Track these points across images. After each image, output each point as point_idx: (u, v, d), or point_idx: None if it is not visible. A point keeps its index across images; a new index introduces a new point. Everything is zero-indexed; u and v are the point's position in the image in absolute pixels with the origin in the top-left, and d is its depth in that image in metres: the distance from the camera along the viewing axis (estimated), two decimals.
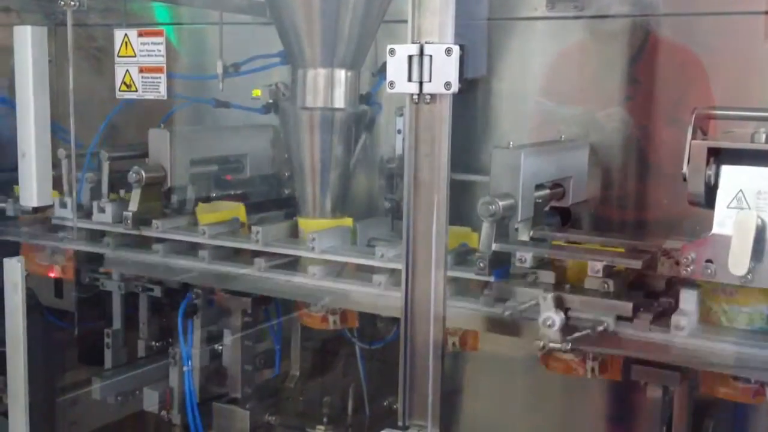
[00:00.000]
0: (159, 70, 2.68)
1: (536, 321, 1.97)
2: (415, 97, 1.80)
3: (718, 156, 1.89)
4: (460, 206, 2.36)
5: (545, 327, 1.94)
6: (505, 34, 2.82)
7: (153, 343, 3.14)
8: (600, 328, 1.95)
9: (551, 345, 1.94)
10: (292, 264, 2.51)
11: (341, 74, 2.61)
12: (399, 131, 2.87)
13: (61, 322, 3.21)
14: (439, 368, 1.88)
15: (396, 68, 1.79)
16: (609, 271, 2.05)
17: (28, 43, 2.63)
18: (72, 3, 2.68)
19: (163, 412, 2.90)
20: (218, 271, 2.58)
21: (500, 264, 2.16)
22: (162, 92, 2.69)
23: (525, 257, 2.11)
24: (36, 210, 2.77)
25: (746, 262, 1.76)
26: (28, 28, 2.65)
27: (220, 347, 2.87)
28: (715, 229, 1.84)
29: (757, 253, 1.77)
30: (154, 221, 2.69)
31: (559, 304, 1.98)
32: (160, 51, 2.67)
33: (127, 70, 2.73)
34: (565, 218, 2.50)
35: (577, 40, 2.72)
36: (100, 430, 3.19)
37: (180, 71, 3.11)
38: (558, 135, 2.62)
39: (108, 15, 3.31)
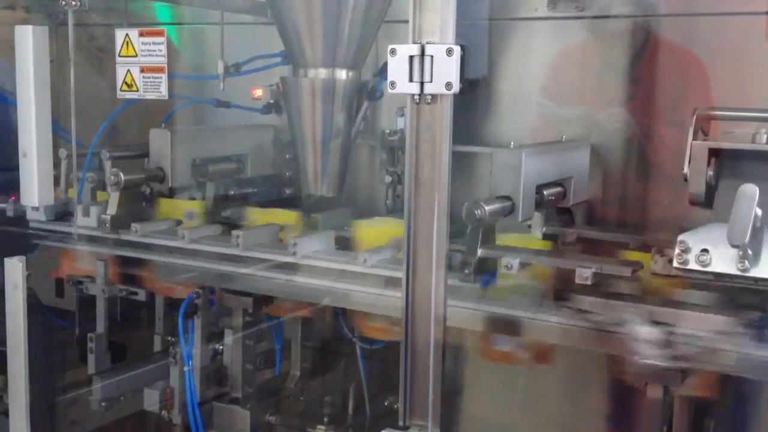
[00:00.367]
0: (160, 69, 2.68)
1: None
2: (416, 97, 1.80)
3: (719, 156, 1.89)
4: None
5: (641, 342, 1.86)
6: (506, 34, 2.82)
7: (169, 338, 3.12)
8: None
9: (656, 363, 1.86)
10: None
11: (342, 74, 2.61)
12: (400, 131, 2.88)
13: (62, 321, 3.21)
14: (439, 368, 1.88)
15: (397, 68, 1.79)
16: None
17: (29, 42, 2.63)
18: (73, 3, 2.68)
19: (164, 412, 2.89)
20: (218, 270, 2.57)
21: (486, 270, 2.13)
22: (163, 92, 2.69)
23: (512, 263, 2.08)
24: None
25: (747, 232, 1.70)
26: (30, 27, 2.65)
27: (221, 347, 2.86)
28: (713, 219, 1.82)
29: (754, 244, 1.74)
30: (132, 224, 2.67)
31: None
32: (161, 51, 2.68)
33: (128, 70, 2.73)
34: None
35: (578, 40, 2.72)
36: (100, 430, 3.19)
37: (181, 71, 3.12)
38: (559, 135, 2.62)
39: (109, 15, 3.31)
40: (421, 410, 1.91)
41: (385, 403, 2.90)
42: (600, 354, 2.18)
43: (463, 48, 1.77)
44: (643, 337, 1.86)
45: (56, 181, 2.84)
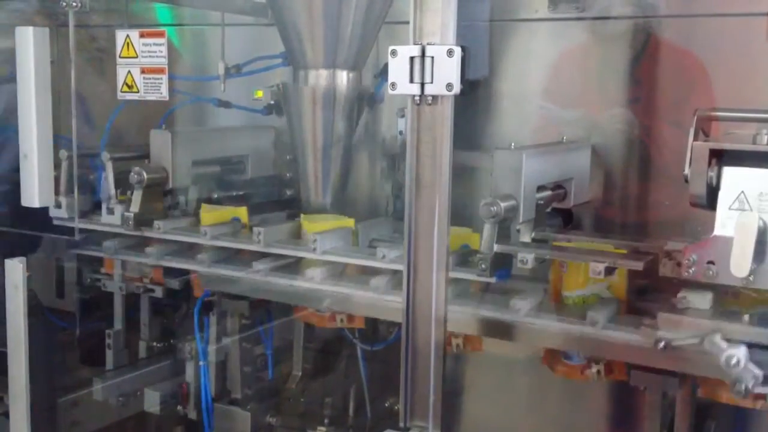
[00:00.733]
0: (161, 71, 2.68)
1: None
2: (417, 98, 1.80)
3: (720, 157, 1.88)
4: (461, 207, 2.36)
5: (731, 367, 1.76)
6: (507, 35, 2.82)
7: (154, 343, 3.13)
8: None
9: (757, 390, 1.77)
10: (292, 266, 2.50)
11: (343, 75, 2.61)
12: (401, 132, 2.88)
13: (63, 322, 3.21)
14: (440, 369, 1.88)
15: (397, 69, 1.79)
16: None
17: (30, 44, 2.63)
18: (74, 4, 2.68)
19: (179, 407, 2.90)
20: (217, 274, 2.57)
21: (502, 265, 2.16)
22: (163, 93, 2.69)
23: (527, 258, 2.11)
24: None
25: (748, 264, 1.76)
26: (30, 29, 2.65)
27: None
28: (717, 231, 1.84)
29: (758, 255, 1.77)
30: (155, 222, 2.70)
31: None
32: (161, 52, 2.68)
33: (129, 71, 2.73)
34: (567, 220, 2.50)
35: (578, 41, 2.72)
36: (101, 431, 3.19)
37: (182, 72, 3.12)
38: (560, 136, 2.62)
39: (110, 16, 3.31)
40: (421, 411, 1.90)
41: (386, 405, 2.90)
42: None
43: (463, 49, 1.76)
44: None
45: (56, 182, 2.84)
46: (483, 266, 2.14)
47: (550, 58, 2.77)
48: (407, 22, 1.80)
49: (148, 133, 2.84)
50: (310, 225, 2.60)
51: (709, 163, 1.88)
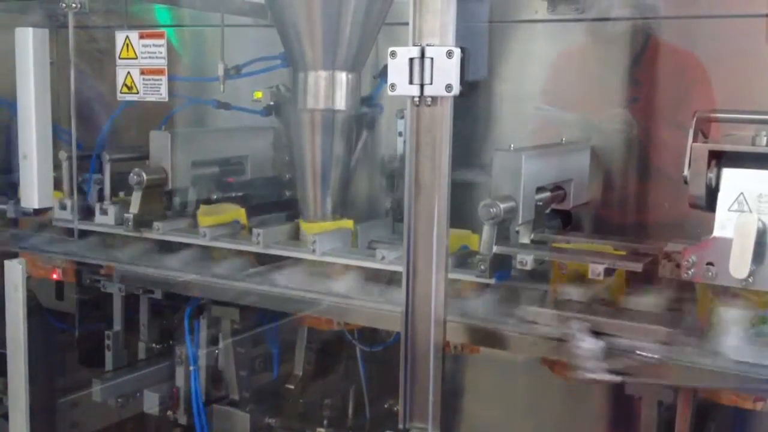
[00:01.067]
0: (160, 71, 2.68)
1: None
2: (416, 99, 1.80)
3: (720, 159, 1.88)
4: (461, 209, 2.36)
5: (583, 354, 1.88)
6: (506, 36, 2.82)
7: (153, 345, 3.14)
8: (644, 354, 1.89)
9: (595, 377, 1.87)
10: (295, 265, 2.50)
11: (342, 77, 2.61)
12: (400, 134, 2.88)
13: (62, 324, 3.21)
14: (439, 370, 1.88)
15: (397, 71, 1.79)
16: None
17: (29, 45, 2.63)
18: (73, 5, 2.68)
19: (169, 412, 2.90)
20: (210, 282, 2.53)
21: (501, 266, 2.16)
22: (163, 94, 2.69)
23: (526, 260, 2.11)
24: (37, 212, 2.78)
25: (747, 266, 1.75)
26: (30, 30, 2.65)
27: (217, 351, 2.87)
28: (716, 232, 1.84)
29: (758, 256, 1.77)
30: (155, 223, 2.69)
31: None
32: (161, 53, 2.68)
33: (129, 72, 2.73)
34: (566, 221, 2.50)
35: (578, 42, 2.72)
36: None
37: (181, 73, 3.12)
38: (559, 138, 2.62)
39: (109, 17, 3.31)
40: (421, 413, 1.90)
41: (385, 406, 2.90)
42: None
43: (463, 50, 1.76)
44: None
45: (56, 183, 2.84)
46: (482, 267, 2.14)
47: (550, 60, 2.77)
48: (407, 23, 1.80)
49: (145, 134, 2.84)
50: (309, 226, 2.59)
51: (709, 165, 1.88)
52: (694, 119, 1.97)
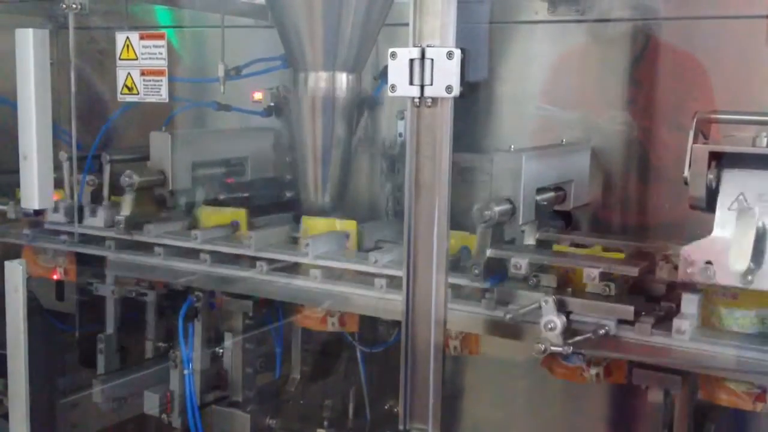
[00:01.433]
0: (160, 72, 2.68)
1: (538, 325, 1.96)
2: (417, 100, 1.80)
3: (720, 160, 1.88)
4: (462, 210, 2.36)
5: (546, 330, 1.93)
6: (507, 37, 2.82)
7: (159, 344, 3.13)
8: (602, 332, 1.95)
9: (552, 348, 1.93)
10: (294, 266, 2.50)
11: (342, 77, 2.61)
12: (400, 134, 2.88)
13: (62, 324, 3.21)
14: (439, 371, 1.88)
15: (397, 71, 1.79)
16: (611, 275, 2.04)
17: (30, 45, 2.63)
18: (74, 6, 2.68)
19: (164, 415, 2.89)
20: (219, 274, 2.57)
21: (496, 270, 2.15)
22: (163, 95, 2.69)
23: (520, 263, 2.10)
24: (37, 213, 2.78)
25: (747, 258, 1.74)
26: (30, 31, 2.65)
27: (221, 350, 2.86)
28: (716, 231, 1.83)
29: (757, 256, 1.77)
30: (146, 225, 2.68)
31: (561, 308, 1.97)
32: (161, 54, 2.67)
33: (129, 73, 2.73)
34: (567, 222, 2.50)
35: (578, 43, 2.73)
36: None
37: (181, 74, 3.12)
38: (559, 139, 2.62)
39: (110, 18, 3.31)
40: (421, 414, 1.90)
41: (386, 407, 2.90)
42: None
43: (463, 51, 1.76)
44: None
45: (56, 184, 2.84)
46: (476, 271, 2.12)
47: (550, 61, 2.77)
48: (407, 24, 1.80)
49: (145, 134, 2.84)
50: (310, 224, 2.59)
51: (709, 166, 1.88)
52: (695, 120, 1.97)
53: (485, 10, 2.79)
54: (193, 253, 2.64)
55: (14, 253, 2.94)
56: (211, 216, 2.75)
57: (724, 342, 1.89)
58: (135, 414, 3.04)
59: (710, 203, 1.88)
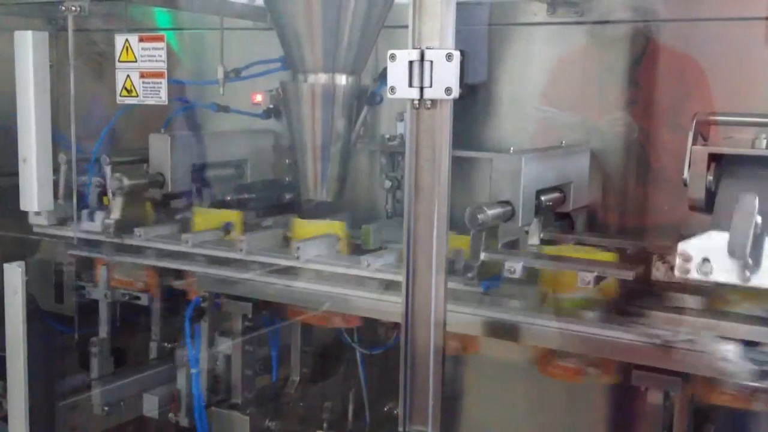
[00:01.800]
0: (160, 75, 2.68)
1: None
2: (416, 102, 1.80)
3: (719, 161, 1.89)
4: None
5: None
6: (506, 39, 2.82)
7: (165, 344, 3.12)
8: None
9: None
10: (289, 268, 2.50)
11: (342, 79, 2.61)
12: (400, 136, 2.88)
13: (62, 327, 3.20)
14: (439, 373, 1.88)
15: (397, 74, 1.79)
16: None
17: (29, 48, 2.63)
18: (73, 8, 2.68)
19: (171, 415, 2.89)
20: (216, 275, 2.57)
21: (490, 274, 2.14)
22: (163, 97, 2.69)
23: (515, 267, 2.08)
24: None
25: (747, 246, 1.71)
26: (29, 33, 2.65)
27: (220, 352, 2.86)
28: (713, 229, 1.82)
29: (756, 255, 1.75)
30: (135, 229, 2.69)
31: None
32: (161, 56, 2.68)
33: (128, 75, 2.73)
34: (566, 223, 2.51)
35: (577, 45, 2.73)
36: None
37: (181, 76, 3.12)
38: (559, 140, 2.62)
39: (109, 20, 3.31)
40: (421, 416, 1.90)
41: (385, 409, 2.90)
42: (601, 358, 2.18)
43: (462, 53, 1.76)
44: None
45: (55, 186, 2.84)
46: (470, 275, 2.12)
47: (549, 63, 2.77)
48: (406, 26, 1.80)
49: (145, 137, 2.84)
50: (300, 230, 2.59)
51: (708, 167, 1.88)
52: (694, 122, 1.97)
53: (484, 12, 2.79)
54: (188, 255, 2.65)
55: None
56: (205, 218, 2.75)
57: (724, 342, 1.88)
58: (135, 416, 3.04)
59: (709, 204, 1.88)
